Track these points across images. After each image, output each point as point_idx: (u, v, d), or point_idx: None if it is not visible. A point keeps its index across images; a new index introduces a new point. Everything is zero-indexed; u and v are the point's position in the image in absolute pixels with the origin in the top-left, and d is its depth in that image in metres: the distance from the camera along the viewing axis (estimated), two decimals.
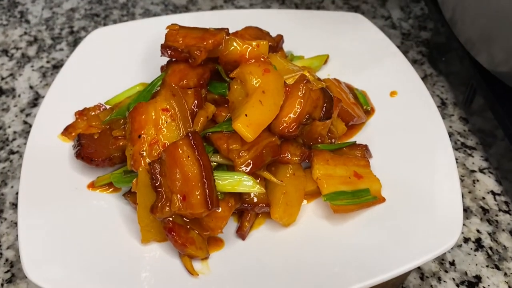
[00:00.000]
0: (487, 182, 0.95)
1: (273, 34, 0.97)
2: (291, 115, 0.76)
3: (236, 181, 0.72)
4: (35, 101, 1.15)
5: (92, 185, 0.80)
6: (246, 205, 0.75)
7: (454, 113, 1.10)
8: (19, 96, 1.17)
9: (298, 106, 0.76)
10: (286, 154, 0.77)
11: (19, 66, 1.25)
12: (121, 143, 0.81)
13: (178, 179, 0.69)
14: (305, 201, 0.78)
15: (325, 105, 0.76)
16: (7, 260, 0.85)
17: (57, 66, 1.25)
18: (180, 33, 0.87)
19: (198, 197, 0.67)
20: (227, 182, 0.72)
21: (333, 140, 0.84)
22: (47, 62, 1.26)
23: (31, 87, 1.19)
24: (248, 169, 0.73)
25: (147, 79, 0.92)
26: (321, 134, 0.81)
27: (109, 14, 1.43)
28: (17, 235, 0.75)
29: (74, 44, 1.32)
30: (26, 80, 1.21)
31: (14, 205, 0.93)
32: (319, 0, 1.47)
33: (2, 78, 1.22)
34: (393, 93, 0.91)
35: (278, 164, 0.77)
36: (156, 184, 0.70)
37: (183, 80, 0.81)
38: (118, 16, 1.42)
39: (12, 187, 0.96)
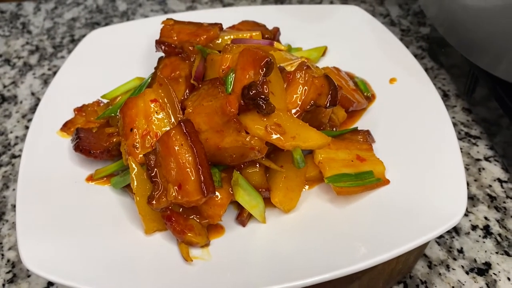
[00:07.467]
0: (493, 170, 0.94)
1: (270, 28, 0.97)
2: (294, 102, 0.75)
3: (255, 203, 0.71)
4: (37, 107, 1.15)
5: (91, 178, 0.79)
6: None
7: (456, 104, 1.09)
8: (21, 102, 1.17)
9: (301, 93, 0.75)
10: None
11: (21, 74, 1.26)
12: (114, 140, 0.81)
13: (173, 168, 0.68)
14: (306, 187, 0.76)
15: (330, 92, 0.75)
16: (8, 260, 0.84)
17: None
18: (175, 28, 0.88)
19: (193, 184, 0.66)
20: (247, 198, 0.71)
21: (334, 128, 0.83)
22: (49, 69, 1.27)
23: (32, 94, 1.20)
24: None
25: (145, 76, 0.92)
26: (322, 122, 0.81)
27: (110, 22, 1.45)
28: None
29: None
30: (27, 87, 1.22)
31: (16, 208, 0.92)
32: (317, 1, 1.48)
33: (4, 86, 1.23)
34: (392, 80, 0.91)
35: (278, 151, 0.76)
36: (152, 175, 0.70)
37: (175, 72, 0.81)
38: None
39: (13, 190, 0.96)
